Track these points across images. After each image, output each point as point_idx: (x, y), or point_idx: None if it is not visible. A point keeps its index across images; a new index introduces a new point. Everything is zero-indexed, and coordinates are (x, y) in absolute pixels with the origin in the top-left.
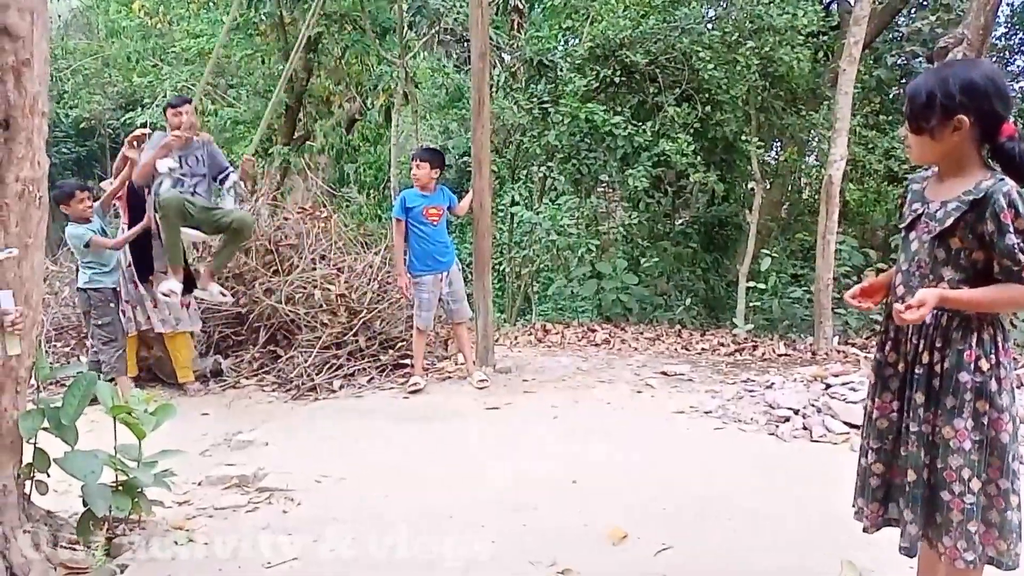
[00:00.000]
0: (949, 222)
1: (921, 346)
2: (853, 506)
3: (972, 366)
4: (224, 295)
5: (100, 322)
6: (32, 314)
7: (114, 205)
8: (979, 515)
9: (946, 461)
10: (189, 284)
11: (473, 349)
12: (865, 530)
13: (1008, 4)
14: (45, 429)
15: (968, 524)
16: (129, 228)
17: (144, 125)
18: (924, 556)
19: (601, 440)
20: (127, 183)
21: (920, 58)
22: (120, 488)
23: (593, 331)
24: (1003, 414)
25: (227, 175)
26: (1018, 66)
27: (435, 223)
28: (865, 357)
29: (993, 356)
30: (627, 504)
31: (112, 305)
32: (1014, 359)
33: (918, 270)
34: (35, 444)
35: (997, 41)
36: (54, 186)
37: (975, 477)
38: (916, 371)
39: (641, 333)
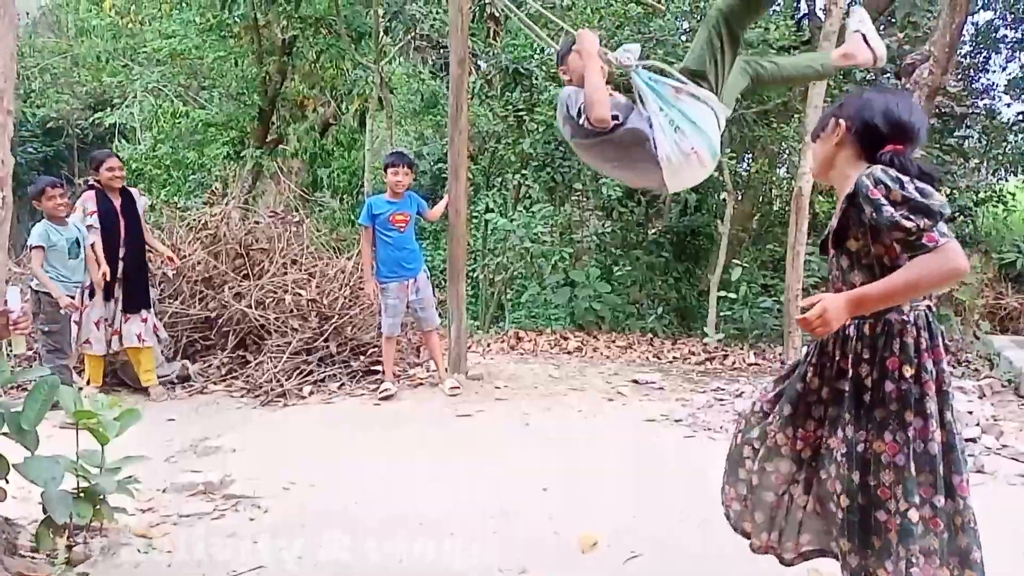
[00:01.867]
0: (835, 222)
1: (847, 362)
2: (755, 540)
3: (896, 374)
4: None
5: (47, 328)
6: None
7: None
8: (919, 537)
9: (879, 478)
10: (130, 301)
11: (445, 356)
12: (790, 563)
13: (973, 23)
14: (4, 434)
15: (911, 545)
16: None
17: (112, 126)
18: None
19: (572, 448)
20: (95, 192)
21: (888, 74)
22: (82, 495)
23: (566, 339)
24: (928, 421)
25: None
26: (982, 84)
27: (402, 229)
28: None
29: (916, 360)
30: (598, 511)
31: (63, 313)
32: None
33: (833, 285)
34: None
35: (963, 59)
36: (21, 186)
37: (912, 494)
38: (844, 387)
39: (613, 341)
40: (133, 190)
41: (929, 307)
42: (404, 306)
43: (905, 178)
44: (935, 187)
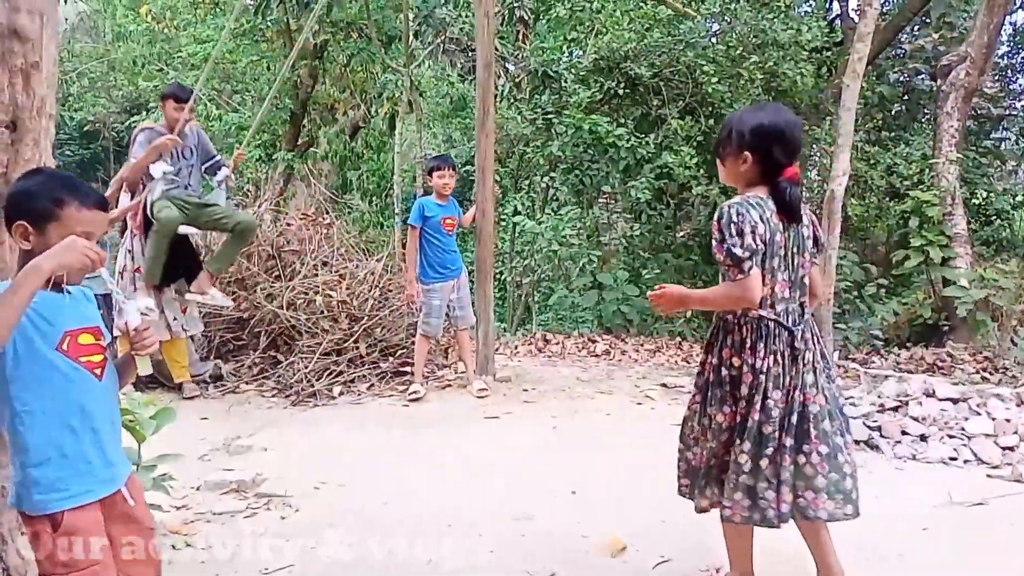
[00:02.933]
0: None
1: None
2: (766, 511)
3: (728, 362)
4: (226, 299)
5: None
6: None
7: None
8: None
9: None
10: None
11: (473, 358)
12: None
13: (1011, 23)
14: None
15: (739, 478)
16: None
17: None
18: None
19: (600, 451)
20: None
21: (923, 75)
22: None
23: (593, 342)
24: (741, 401)
25: (218, 166)
26: (1020, 85)
27: (450, 232)
28: (865, 372)
29: (743, 355)
30: (626, 515)
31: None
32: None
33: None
34: None
35: (1000, 60)
36: None
37: (742, 452)
38: (722, 372)
39: (641, 345)
40: None
41: (761, 316)
42: (446, 306)
43: (736, 222)
44: (794, 214)
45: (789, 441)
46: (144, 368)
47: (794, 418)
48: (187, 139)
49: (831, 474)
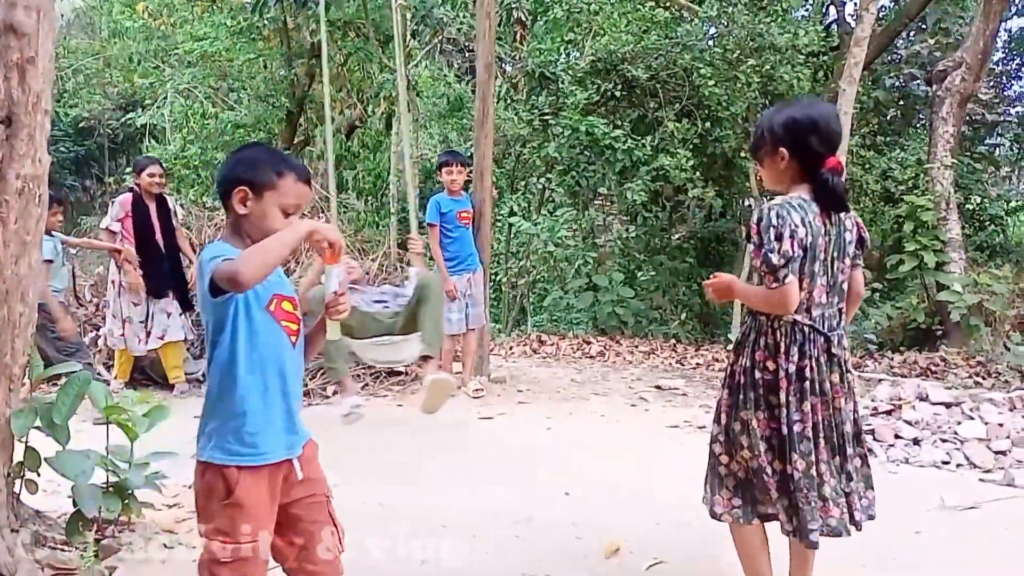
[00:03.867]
0: (748, 230)
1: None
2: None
3: (762, 364)
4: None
5: (58, 334)
6: (28, 312)
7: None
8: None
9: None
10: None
11: (473, 360)
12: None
13: (1007, 30)
14: (37, 428)
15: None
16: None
17: (143, 126)
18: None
19: (595, 453)
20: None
21: (918, 80)
22: (111, 489)
23: (588, 343)
24: (782, 408)
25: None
26: (1015, 91)
27: (467, 225)
28: (859, 376)
29: (777, 359)
30: (621, 517)
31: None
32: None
33: None
34: (26, 442)
35: (995, 66)
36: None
37: (777, 459)
38: (755, 375)
39: (636, 346)
40: (168, 197)
41: (796, 321)
42: (464, 300)
43: (776, 225)
44: (839, 205)
45: (834, 446)
46: (333, 333)
47: (834, 425)
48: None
49: (860, 482)
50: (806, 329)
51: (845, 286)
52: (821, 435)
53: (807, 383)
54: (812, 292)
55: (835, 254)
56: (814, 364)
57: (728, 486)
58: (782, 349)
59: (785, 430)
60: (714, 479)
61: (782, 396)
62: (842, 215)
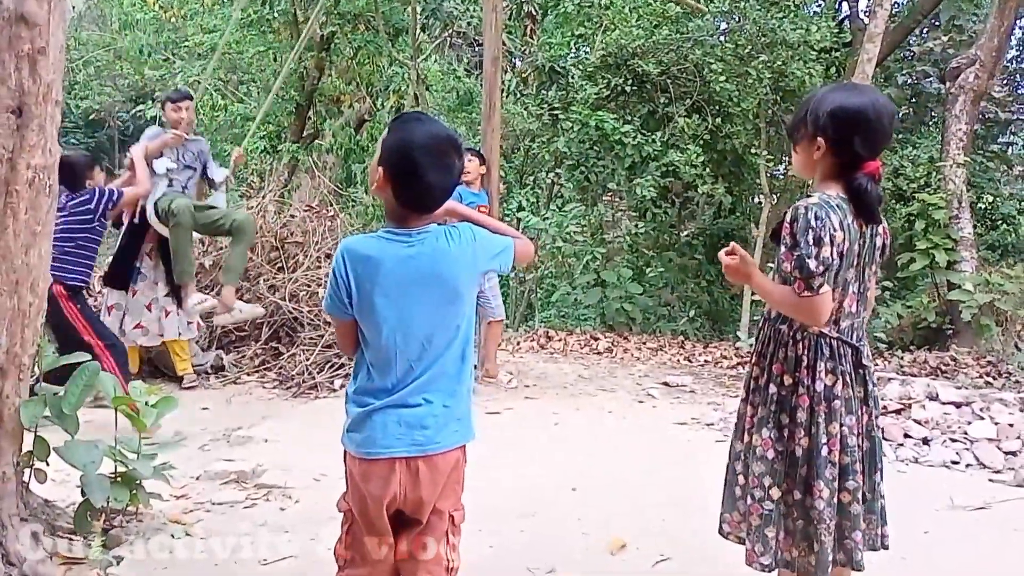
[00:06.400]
0: (774, 228)
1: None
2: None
3: (779, 379)
4: (255, 308)
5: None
6: (38, 302)
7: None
8: (779, 522)
9: (750, 468)
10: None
11: (476, 352)
12: None
13: (1021, 27)
14: (46, 417)
15: (765, 529)
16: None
17: (153, 118)
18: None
19: (602, 449)
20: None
21: (931, 78)
22: (119, 479)
23: (596, 339)
24: (798, 429)
25: (216, 171)
26: None
27: None
28: None
29: (797, 374)
30: (626, 513)
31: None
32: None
33: None
34: (36, 432)
35: (1009, 64)
36: None
37: (775, 486)
38: (770, 389)
39: (644, 343)
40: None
41: (822, 333)
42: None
43: (815, 227)
44: (872, 215)
45: (864, 468)
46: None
47: (866, 443)
48: (190, 144)
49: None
50: (834, 343)
51: (870, 295)
52: (848, 457)
53: (837, 402)
54: (843, 302)
55: (867, 259)
56: (846, 379)
57: (740, 509)
58: (804, 364)
59: (799, 452)
60: (728, 496)
61: (799, 415)
62: None
